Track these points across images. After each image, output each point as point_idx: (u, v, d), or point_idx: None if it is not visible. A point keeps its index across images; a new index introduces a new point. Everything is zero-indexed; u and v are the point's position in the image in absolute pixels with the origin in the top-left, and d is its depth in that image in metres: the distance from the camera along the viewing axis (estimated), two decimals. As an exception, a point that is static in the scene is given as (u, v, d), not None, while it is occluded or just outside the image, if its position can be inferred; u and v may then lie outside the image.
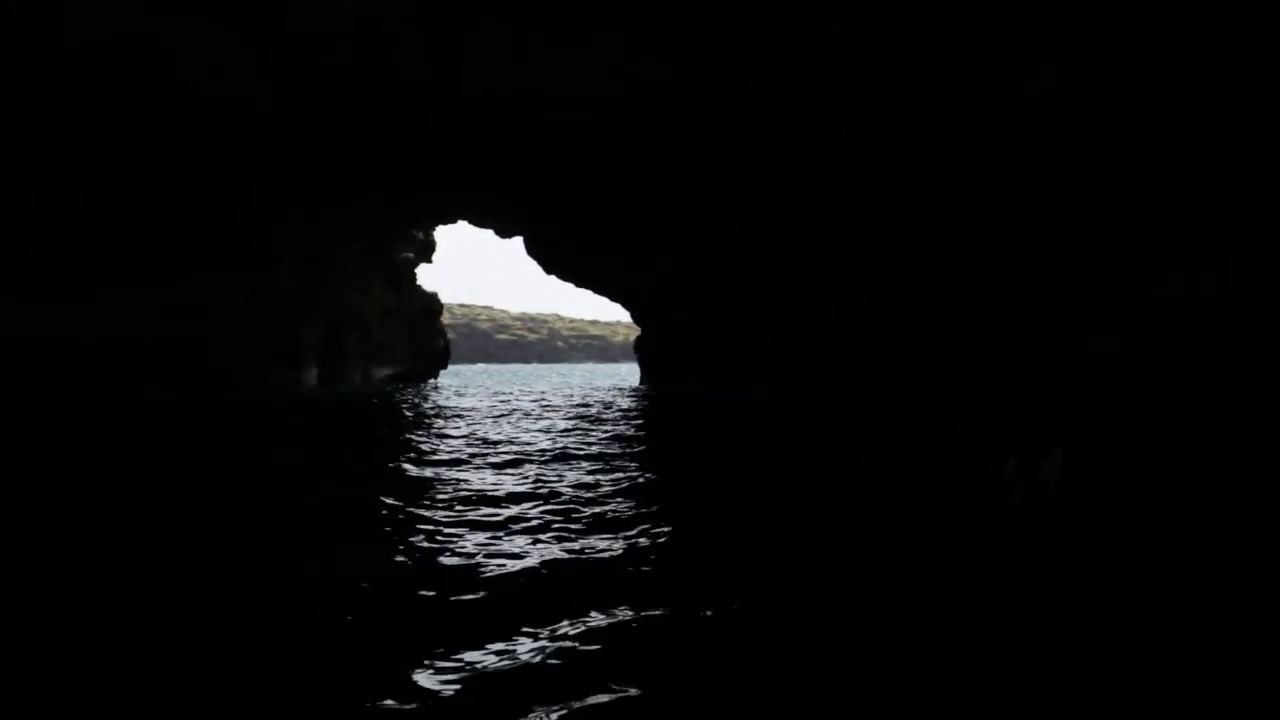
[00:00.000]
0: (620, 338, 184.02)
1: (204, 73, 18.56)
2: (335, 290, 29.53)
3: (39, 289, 22.12)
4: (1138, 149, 11.85)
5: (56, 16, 15.16)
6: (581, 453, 8.23)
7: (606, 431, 10.56)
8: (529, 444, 9.15)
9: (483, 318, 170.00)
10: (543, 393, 23.51)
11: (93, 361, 23.22)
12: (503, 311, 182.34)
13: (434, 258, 32.64)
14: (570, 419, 13.24)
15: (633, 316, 26.84)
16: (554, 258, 24.16)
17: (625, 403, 18.36)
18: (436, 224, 27.73)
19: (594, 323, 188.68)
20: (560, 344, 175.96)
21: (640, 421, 12.42)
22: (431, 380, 34.94)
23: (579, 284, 25.14)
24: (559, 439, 9.67)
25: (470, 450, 8.59)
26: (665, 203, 20.28)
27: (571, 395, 22.25)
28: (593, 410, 15.64)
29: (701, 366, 26.03)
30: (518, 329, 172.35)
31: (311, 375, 28.48)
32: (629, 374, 55.94)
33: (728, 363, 25.47)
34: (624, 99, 16.97)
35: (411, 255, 32.27)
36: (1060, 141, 13.94)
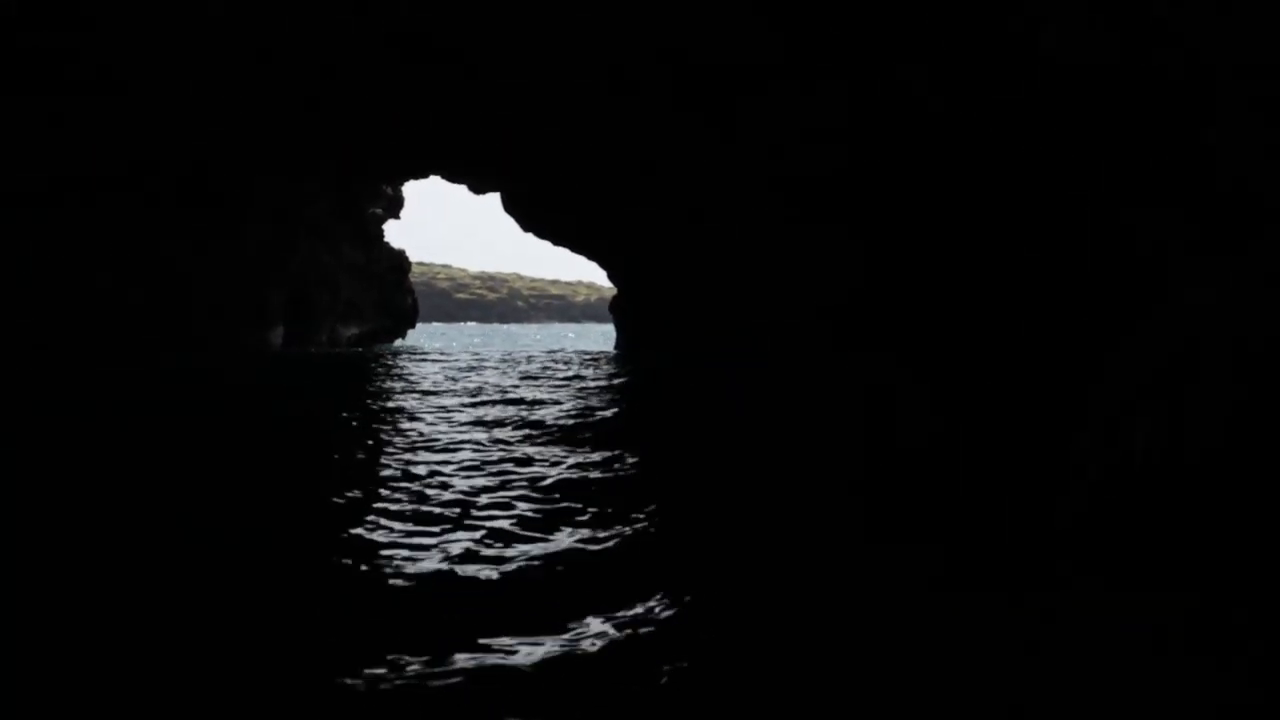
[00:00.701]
0: (581, 297, 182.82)
1: None
2: (303, 248, 28.49)
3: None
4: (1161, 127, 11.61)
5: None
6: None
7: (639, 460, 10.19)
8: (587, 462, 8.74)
9: (441, 276, 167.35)
10: (541, 366, 22.98)
11: (41, 332, 22.06)
12: (461, 270, 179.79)
13: (401, 214, 31.71)
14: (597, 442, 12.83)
15: (610, 278, 26.33)
16: (532, 216, 23.47)
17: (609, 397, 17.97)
18: (408, 179, 26.82)
19: (555, 282, 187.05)
20: (520, 303, 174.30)
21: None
22: (399, 340, 34.15)
23: (556, 243, 24.52)
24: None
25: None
26: (651, 166, 19.71)
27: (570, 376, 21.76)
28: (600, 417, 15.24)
29: (678, 333, 25.66)
30: (477, 288, 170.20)
31: (277, 335, 27.54)
32: (597, 337, 55.40)
33: (706, 330, 25.12)
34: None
35: (380, 211, 31.26)
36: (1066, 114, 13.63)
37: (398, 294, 33.05)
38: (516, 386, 12.14)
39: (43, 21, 15.48)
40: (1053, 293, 13.33)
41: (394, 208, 32.05)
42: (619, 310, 26.78)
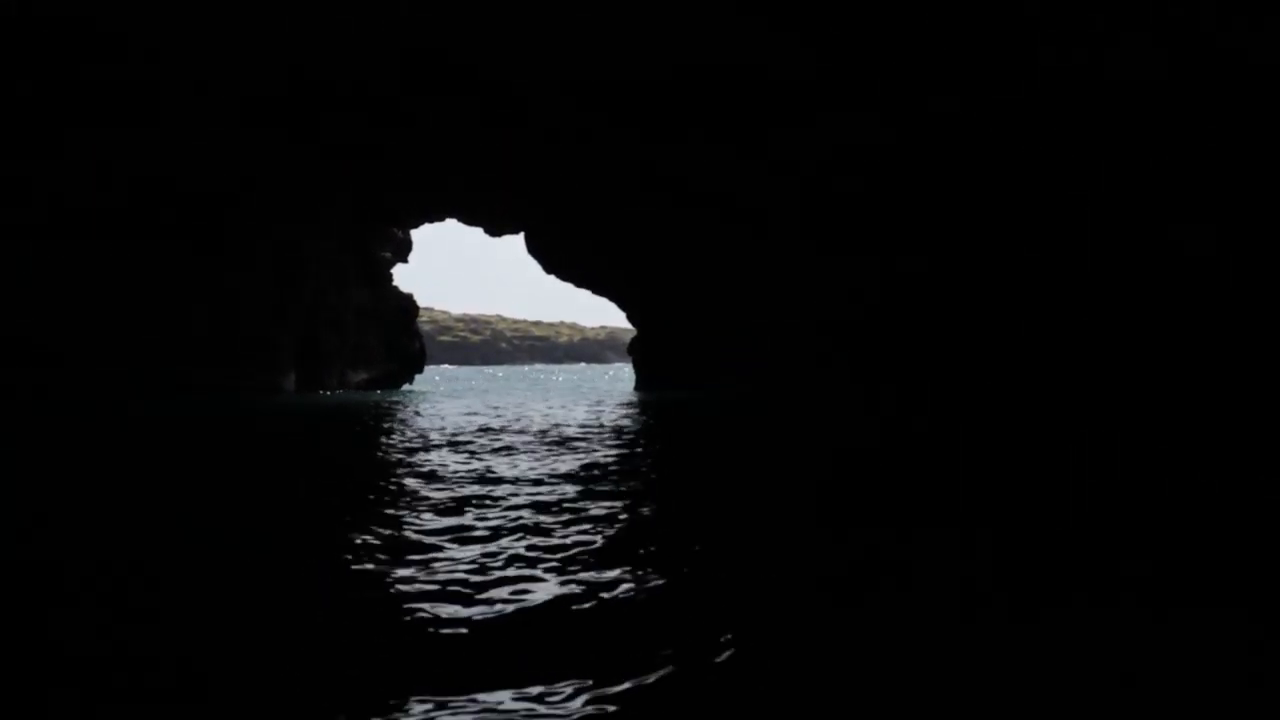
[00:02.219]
0: (564, 338, 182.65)
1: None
2: (312, 290, 28.07)
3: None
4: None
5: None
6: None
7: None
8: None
9: (424, 319, 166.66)
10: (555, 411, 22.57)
11: (56, 367, 21.43)
12: (443, 312, 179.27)
13: (409, 257, 31.41)
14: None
15: (629, 319, 26.10)
16: (555, 258, 23.27)
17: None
18: (425, 221, 26.55)
19: (537, 324, 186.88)
20: (504, 345, 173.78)
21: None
22: (407, 384, 33.61)
23: (578, 284, 24.30)
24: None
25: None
26: (669, 200, 19.59)
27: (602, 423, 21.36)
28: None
29: (697, 370, 25.43)
30: (460, 330, 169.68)
31: (289, 381, 26.99)
32: (598, 380, 55.11)
33: (724, 367, 24.92)
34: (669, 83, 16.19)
35: (389, 255, 30.94)
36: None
37: (405, 337, 32.62)
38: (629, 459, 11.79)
39: (88, 54, 15.22)
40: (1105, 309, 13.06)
41: (402, 251, 31.77)
42: (638, 350, 26.52)
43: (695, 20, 13.81)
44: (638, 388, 26.90)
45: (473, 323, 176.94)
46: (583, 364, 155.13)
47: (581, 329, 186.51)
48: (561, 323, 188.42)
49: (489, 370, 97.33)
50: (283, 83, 18.28)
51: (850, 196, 19.14)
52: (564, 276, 23.97)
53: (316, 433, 12.05)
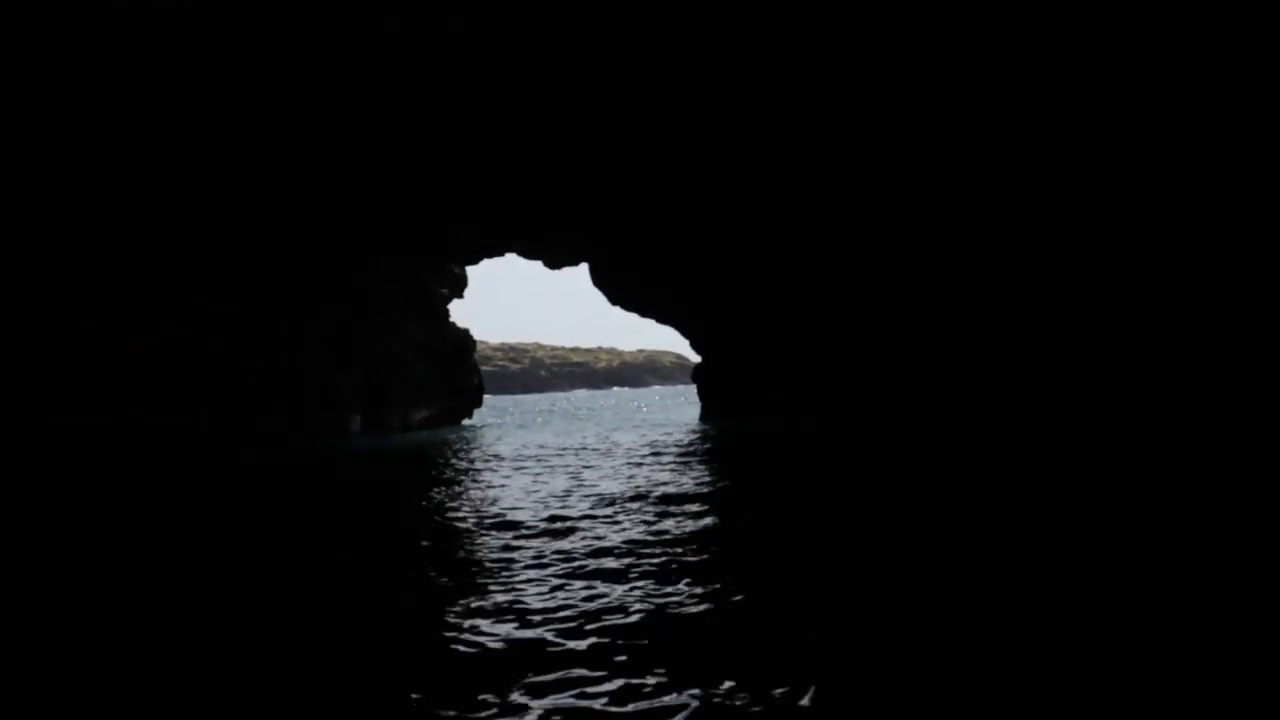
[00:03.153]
0: (602, 364, 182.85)
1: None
2: (375, 330, 28.18)
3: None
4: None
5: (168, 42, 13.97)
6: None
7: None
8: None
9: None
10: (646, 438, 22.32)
11: (121, 410, 21.56)
12: (483, 342, 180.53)
13: (464, 293, 31.45)
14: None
15: (692, 346, 25.84)
16: (620, 290, 23.10)
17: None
18: (485, 257, 26.58)
19: (575, 349, 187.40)
20: (543, 373, 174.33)
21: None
22: (466, 419, 33.57)
23: (643, 315, 24.10)
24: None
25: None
26: (748, 232, 19.32)
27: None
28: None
29: (763, 398, 25.03)
30: (499, 359, 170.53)
31: (355, 423, 27.03)
32: (652, 405, 54.76)
33: (791, 395, 24.49)
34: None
35: (446, 291, 31.03)
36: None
37: (464, 372, 32.59)
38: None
39: (191, 106, 15.39)
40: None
41: (459, 286, 31.85)
42: (703, 379, 26.21)
43: (784, 50, 13.61)
44: (704, 417, 26.56)
45: (511, 351, 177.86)
46: (623, 388, 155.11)
47: (620, 353, 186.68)
48: (599, 348, 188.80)
49: (532, 399, 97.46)
50: (352, 120, 18.40)
51: (920, 211, 18.77)
52: (629, 307, 23.79)
53: (439, 484, 11.85)
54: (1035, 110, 14.59)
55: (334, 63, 15.81)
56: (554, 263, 25.35)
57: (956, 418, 19.58)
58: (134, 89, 16.01)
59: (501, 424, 32.85)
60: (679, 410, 38.84)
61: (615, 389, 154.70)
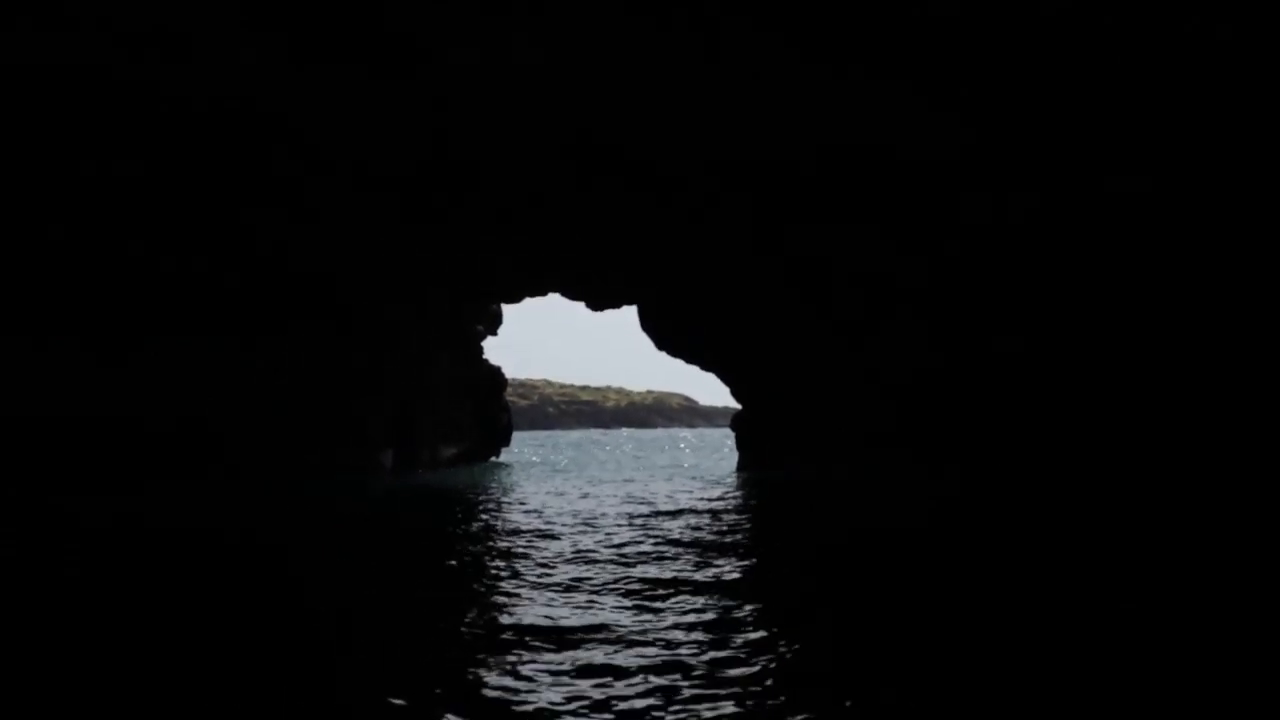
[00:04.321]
0: (610, 403, 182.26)
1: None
2: (407, 364, 27.82)
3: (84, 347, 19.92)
4: None
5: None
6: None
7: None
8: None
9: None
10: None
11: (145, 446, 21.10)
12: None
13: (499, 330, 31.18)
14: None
15: (734, 394, 25.45)
16: (668, 335, 22.78)
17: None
18: (527, 296, 26.35)
19: (584, 388, 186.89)
20: (551, 410, 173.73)
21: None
22: (493, 457, 33.10)
23: (689, 361, 23.76)
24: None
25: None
26: (817, 283, 19.03)
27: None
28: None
29: (804, 450, 24.54)
30: (508, 395, 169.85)
31: (388, 457, 26.56)
32: (676, 451, 54.32)
33: (831, 448, 24.00)
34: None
35: (482, 328, 30.76)
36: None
37: (494, 410, 32.21)
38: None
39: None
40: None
41: (494, 324, 31.60)
42: (742, 428, 25.77)
43: (875, 107, 13.41)
44: (741, 467, 26.09)
45: (520, 387, 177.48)
46: (631, 429, 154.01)
47: (629, 393, 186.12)
48: (609, 387, 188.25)
49: (542, 435, 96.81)
50: (411, 163, 18.25)
51: (986, 272, 18.46)
52: (673, 353, 23.45)
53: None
54: (1134, 174, 14.30)
55: (402, 95, 15.66)
56: (598, 304, 25.08)
57: (984, 480, 19.08)
58: (202, 119, 15.90)
59: (535, 464, 32.36)
60: (706, 456, 38.37)
61: (625, 430, 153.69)
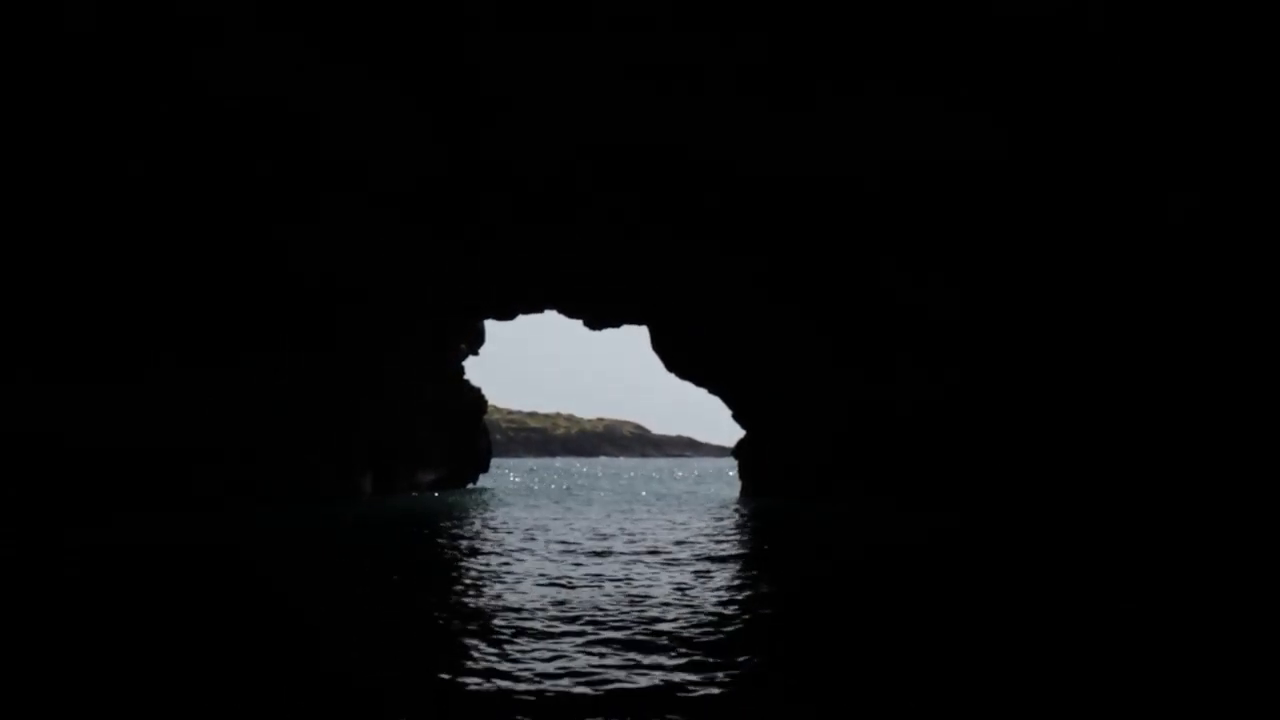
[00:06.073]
0: (560, 430, 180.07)
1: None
2: (388, 387, 26.20)
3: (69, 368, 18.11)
4: None
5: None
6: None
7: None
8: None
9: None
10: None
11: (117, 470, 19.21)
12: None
13: (480, 350, 29.78)
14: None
15: (735, 418, 24.47)
16: (679, 360, 21.73)
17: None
18: (519, 314, 25.06)
19: (533, 414, 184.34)
20: (499, 436, 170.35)
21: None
22: (471, 484, 31.45)
23: (697, 384, 22.72)
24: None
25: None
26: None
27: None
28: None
29: (807, 481, 23.64)
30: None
31: (367, 483, 24.86)
32: (651, 480, 53.20)
33: (836, 480, 23.14)
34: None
35: (464, 347, 29.30)
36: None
37: (473, 434, 30.64)
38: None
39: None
40: None
41: (475, 343, 30.14)
42: (745, 455, 24.77)
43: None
44: (744, 495, 25.06)
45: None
46: (580, 459, 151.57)
47: (579, 420, 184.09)
48: (558, 414, 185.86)
49: (512, 463, 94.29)
50: (425, 176, 17.02)
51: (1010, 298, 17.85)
52: (682, 375, 22.39)
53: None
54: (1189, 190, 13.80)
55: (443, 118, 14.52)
56: (596, 323, 23.92)
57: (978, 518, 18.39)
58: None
59: (511, 492, 30.77)
60: (685, 485, 37.15)
61: (578, 460, 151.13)
